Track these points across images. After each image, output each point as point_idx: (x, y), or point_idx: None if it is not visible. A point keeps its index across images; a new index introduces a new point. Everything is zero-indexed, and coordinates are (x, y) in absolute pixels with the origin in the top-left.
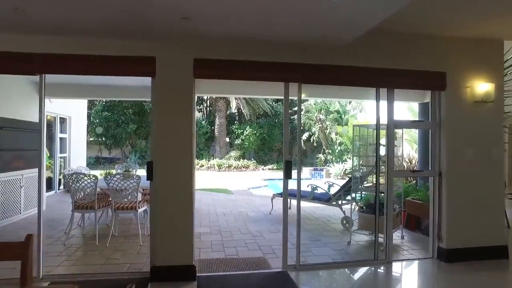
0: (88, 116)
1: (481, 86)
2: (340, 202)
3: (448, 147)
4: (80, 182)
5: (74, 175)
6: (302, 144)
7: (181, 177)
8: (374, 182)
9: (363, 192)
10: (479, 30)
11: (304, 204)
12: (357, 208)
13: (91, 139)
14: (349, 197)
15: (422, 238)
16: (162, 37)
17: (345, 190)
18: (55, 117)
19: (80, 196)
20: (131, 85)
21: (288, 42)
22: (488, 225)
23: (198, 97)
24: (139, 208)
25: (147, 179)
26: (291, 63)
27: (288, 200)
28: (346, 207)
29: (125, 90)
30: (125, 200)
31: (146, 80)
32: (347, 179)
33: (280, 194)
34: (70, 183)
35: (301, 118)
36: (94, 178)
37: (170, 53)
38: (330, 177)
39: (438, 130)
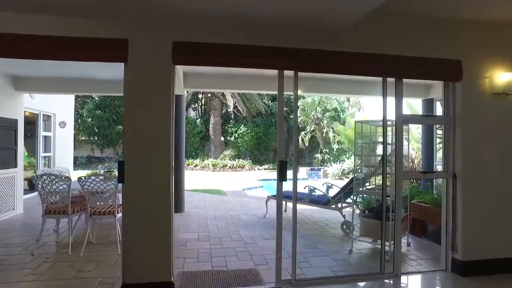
0: (81, 115)
1: (502, 76)
2: (340, 205)
3: (463, 145)
4: (51, 185)
5: (44, 177)
6: (300, 143)
7: (158, 180)
8: (378, 183)
9: (365, 195)
10: (500, 12)
11: (300, 207)
12: (358, 212)
13: (83, 138)
14: (349, 200)
15: (429, 245)
16: (136, 16)
17: (346, 192)
18: (38, 114)
19: (54, 200)
20: (119, 79)
21: (284, 23)
22: (510, 233)
23: (193, 95)
24: (118, 212)
25: (119, 182)
26: (287, 48)
27: (284, 202)
28: (347, 210)
29: (112, 84)
30: (102, 203)
31: None
32: (347, 180)
33: (275, 196)
34: (40, 185)
35: (297, 112)
36: (66, 180)
37: (145, 35)
38: (328, 177)
39: (452, 126)
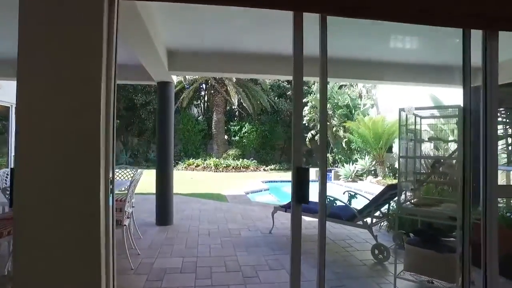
0: None
1: None
2: (369, 221)
3: None
4: None
5: None
6: (307, 142)
7: (77, 196)
8: (422, 199)
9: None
10: None
11: (310, 218)
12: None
13: None
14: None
15: (506, 284)
16: None
17: (378, 204)
18: (9, 107)
19: None
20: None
21: None
22: None
23: (195, 92)
24: None
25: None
26: None
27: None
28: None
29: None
30: None
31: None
32: (384, 188)
33: (284, 207)
34: None
35: (326, 82)
36: None
37: None
38: (340, 179)
39: None
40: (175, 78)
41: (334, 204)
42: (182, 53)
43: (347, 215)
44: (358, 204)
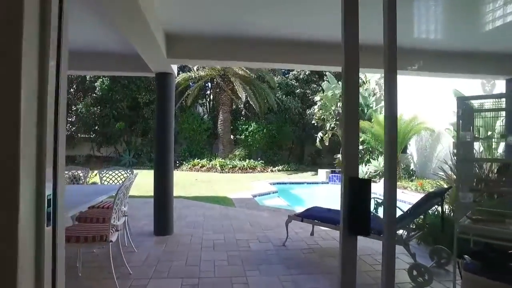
0: (76, 111)
1: None
2: (404, 234)
3: None
4: None
5: None
6: (318, 143)
7: None
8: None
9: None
10: None
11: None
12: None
13: (82, 136)
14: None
15: None
16: None
17: (416, 215)
18: None
19: None
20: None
21: None
22: None
23: (200, 90)
24: None
25: None
26: None
27: (311, 225)
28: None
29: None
30: None
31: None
32: (423, 196)
33: (301, 216)
34: None
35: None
36: None
37: None
38: None
39: None
40: (176, 70)
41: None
42: (183, 37)
43: (376, 228)
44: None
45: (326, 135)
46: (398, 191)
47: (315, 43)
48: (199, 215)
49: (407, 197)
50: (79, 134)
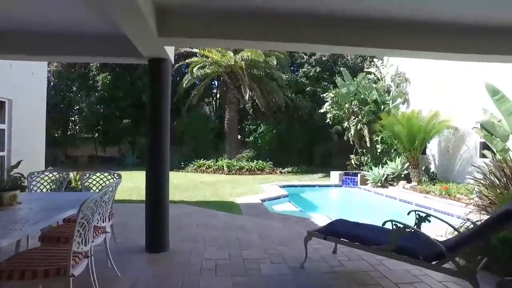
0: (80, 110)
1: None
2: (465, 262)
3: None
4: None
5: None
6: (334, 141)
7: None
8: None
9: None
10: None
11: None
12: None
13: (85, 135)
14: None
15: None
16: None
17: (486, 238)
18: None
19: None
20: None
21: None
22: None
23: (205, 88)
24: None
25: None
26: None
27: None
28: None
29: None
30: None
31: None
32: (500, 211)
33: (323, 233)
34: None
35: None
36: None
37: None
38: (367, 184)
39: None
40: (173, 55)
41: (403, 231)
42: (178, 9)
43: (427, 252)
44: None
45: (352, 133)
46: (420, 195)
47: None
48: (201, 225)
49: (432, 203)
50: (82, 134)
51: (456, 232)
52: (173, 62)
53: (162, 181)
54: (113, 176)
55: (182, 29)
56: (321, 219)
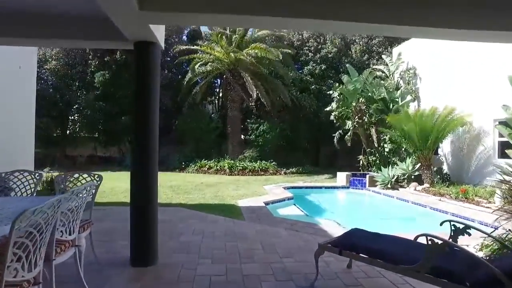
0: (78, 108)
1: None
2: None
3: None
4: None
5: None
6: (335, 143)
7: None
8: None
9: None
10: None
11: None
12: None
13: (85, 134)
14: None
15: None
16: None
17: None
18: None
19: None
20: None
21: None
22: None
23: (208, 87)
24: None
25: None
26: None
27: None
28: None
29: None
30: None
31: None
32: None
33: (338, 247)
34: None
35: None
36: None
37: None
38: (376, 185)
39: None
40: (163, 39)
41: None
42: None
43: (476, 277)
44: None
45: (349, 133)
46: (434, 198)
47: None
48: (197, 232)
49: (448, 206)
50: (81, 133)
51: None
52: (163, 47)
53: (149, 182)
54: (93, 178)
55: (171, 3)
56: (329, 226)
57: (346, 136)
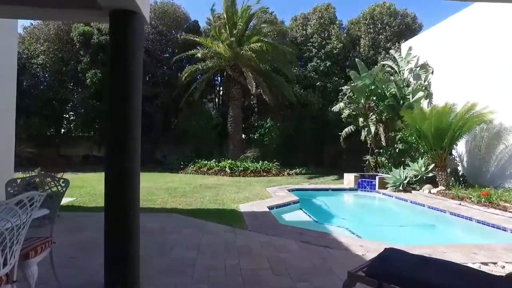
0: (73, 107)
1: None
2: None
3: None
4: None
5: None
6: (342, 142)
7: None
8: None
9: None
10: None
11: None
12: None
13: (80, 134)
14: None
15: None
16: None
17: None
18: None
19: None
20: None
21: None
22: None
23: (207, 85)
24: None
25: None
26: None
27: None
28: None
29: None
30: None
31: None
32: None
33: (377, 279)
34: None
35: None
36: None
37: None
38: (387, 188)
39: None
40: (148, 9)
41: None
42: None
43: None
44: None
45: (366, 132)
46: (453, 202)
47: None
48: (191, 247)
49: (472, 212)
50: (76, 132)
51: None
52: (148, 20)
53: (127, 186)
54: (56, 183)
55: None
56: (344, 236)
57: (365, 136)
